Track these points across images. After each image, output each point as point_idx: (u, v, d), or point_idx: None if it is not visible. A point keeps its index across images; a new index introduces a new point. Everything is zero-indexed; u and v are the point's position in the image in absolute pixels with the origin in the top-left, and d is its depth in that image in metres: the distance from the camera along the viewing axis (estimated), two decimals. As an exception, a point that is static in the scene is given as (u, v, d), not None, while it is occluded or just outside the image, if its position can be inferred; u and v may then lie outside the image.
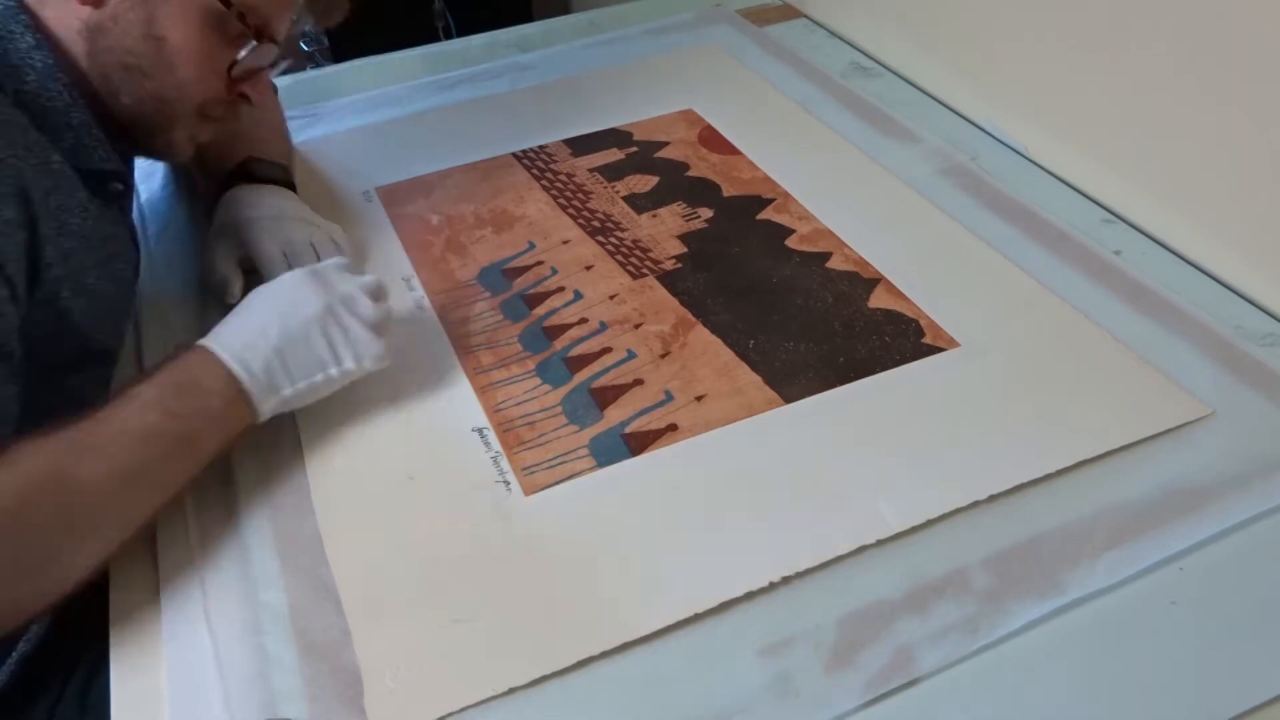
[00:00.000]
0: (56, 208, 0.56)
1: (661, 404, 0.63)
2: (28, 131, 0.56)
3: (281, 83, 1.06)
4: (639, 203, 0.82)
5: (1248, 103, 0.65)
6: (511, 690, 0.48)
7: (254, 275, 0.70)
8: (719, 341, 0.68)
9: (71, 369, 0.61)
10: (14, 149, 0.54)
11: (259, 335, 0.57)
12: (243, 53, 0.62)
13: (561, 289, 0.73)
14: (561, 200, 0.83)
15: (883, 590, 0.52)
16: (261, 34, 0.61)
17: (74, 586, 0.49)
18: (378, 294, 0.62)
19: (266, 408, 0.57)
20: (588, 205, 0.82)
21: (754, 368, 0.65)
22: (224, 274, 0.71)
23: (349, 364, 0.59)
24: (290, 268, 0.68)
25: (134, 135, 0.63)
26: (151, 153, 0.68)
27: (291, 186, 0.77)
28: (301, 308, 0.58)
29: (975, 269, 0.73)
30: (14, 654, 0.60)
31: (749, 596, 0.52)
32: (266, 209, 0.72)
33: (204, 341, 0.56)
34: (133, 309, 0.69)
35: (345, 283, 0.61)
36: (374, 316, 0.60)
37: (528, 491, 0.58)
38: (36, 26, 0.57)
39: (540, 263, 0.76)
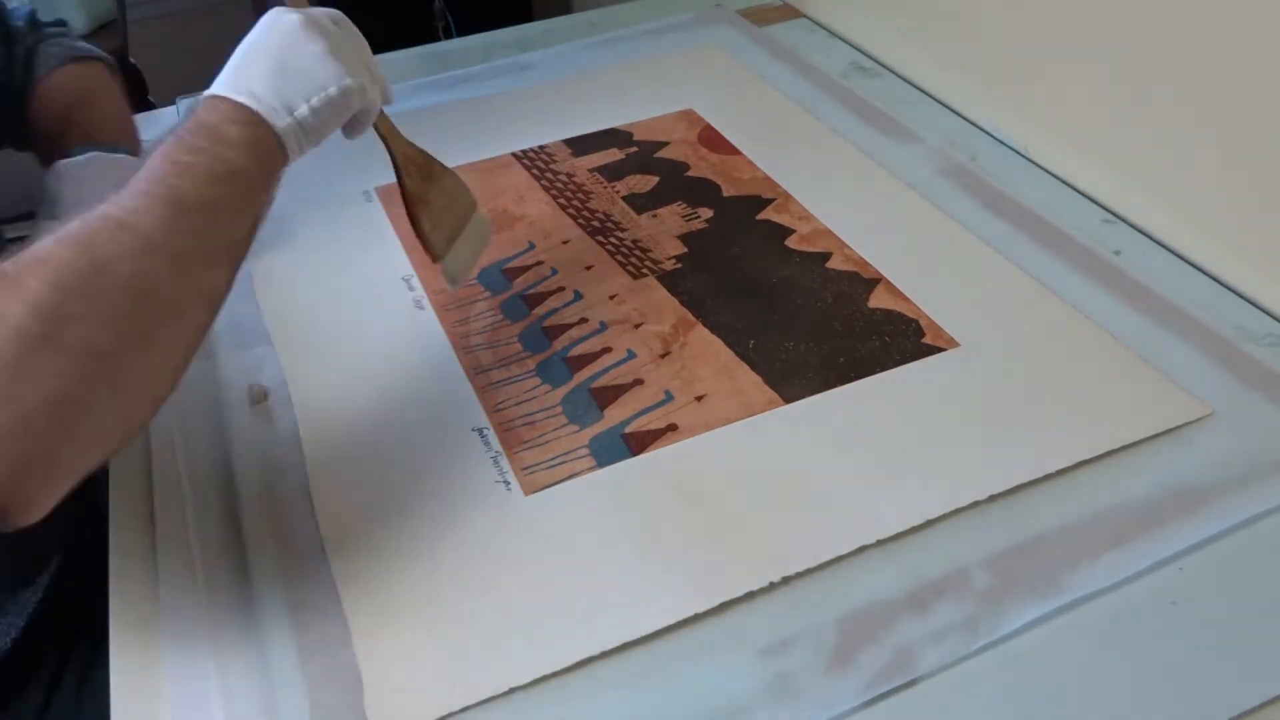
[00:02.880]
0: None
1: (661, 404, 0.63)
2: None
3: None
4: (639, 203, 0.82)
5: (1248, 103, 0.65)
6: (511, 690, 0.48)
7: None
8: (719, 341, 0.68)
9: None
10: None
11: (246, 64, 0.52)
12: None
13: (561, 289, 0.73)
14: (561, 200, 0.83)
15: (883, 590, 0.52)
16: None
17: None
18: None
19: (287, 131, 0.51)
20: (588, 205, 0.82)
21: (754, 368, 0.65)
22: None
23: (354, 62, 0.54)
24: None
25: None
26: None
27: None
28: (280, 25, 0.53)
29: (975, 269, 0.73)
30: (10, 635, 0.60)
31: (749, 596, 0.52)
32: (90, 166, 0.69)
33: (204, 93, 0.52)
34: None
35: (320, 8, 0.56)
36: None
37: (528, 491, 0.58)
38: None
39: (540, 262, 0.76)
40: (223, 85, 0.51)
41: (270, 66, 0.51)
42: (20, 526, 0.42)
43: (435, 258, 0.63)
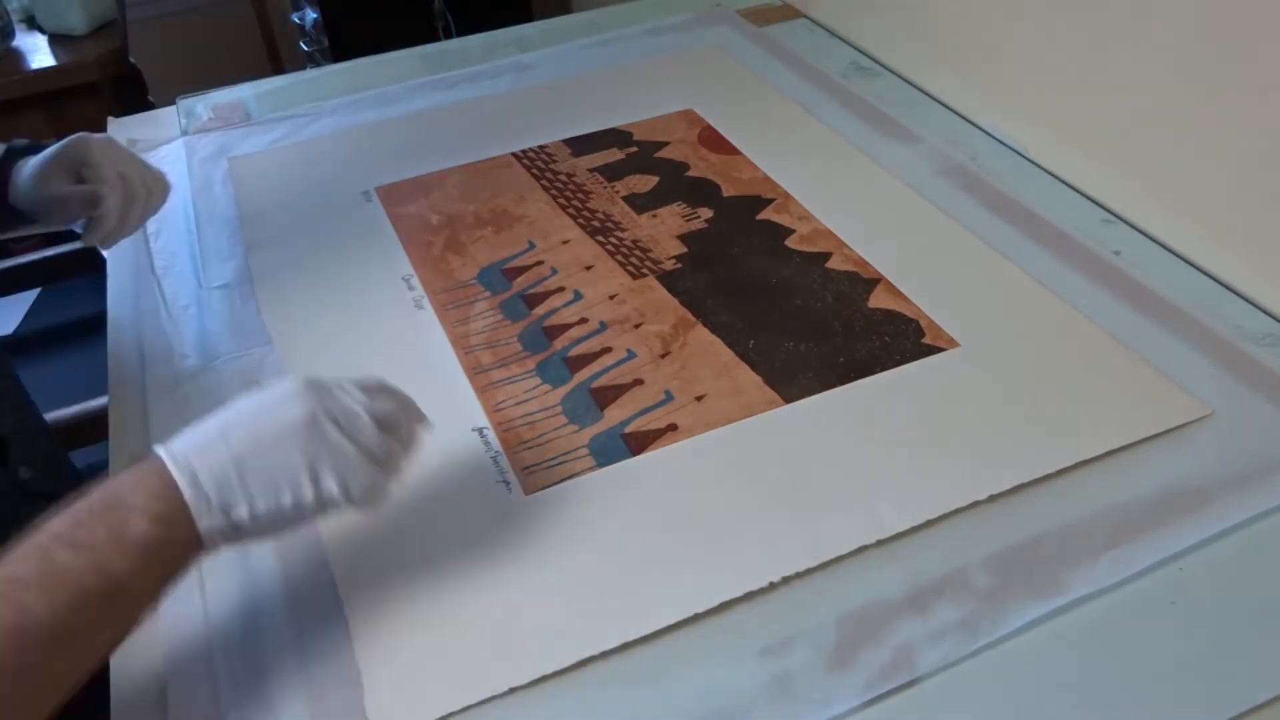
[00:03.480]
0: None
1: (661, 404, 0.63)
2: None
3: (282, 82, 1.07)
4: (639, 203, 0.82)
5: (1248, 103, 0.65)
6: (511, 690, 0.48)
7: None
8: (719, 341, 0.68)
9: None
10: None
11: (218, 437, 0.46)
12: None
13: (561, 289, 0.73)
14: (561, 200, 0.83)
15: (883, 590, 0.52)
16: None
17: None
18: (391, 423, 0.50)
19: (213, 531, 0.45)
20: (588, 205, 0.82)
21: (754, 368, 0.65)
22: (64, 191, 0.66)
23: (330, 485, 0.46)
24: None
25: None
26: None
27: None
28: (282, 411, 0.47)
29: (975, 269, 0.73)
30: None
31: (749, 596, 0.52)
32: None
33: (157, 446, 0.46)
34: None
35: (348, 397, 0.49)
36: (376, 445, 0.48)
37: (528, 491, 0.58)
38: None
39: (540, 262, 0.76)
40: (172, 449, 0.45)
41: (234, 451, 0.45)
42: None
43: None
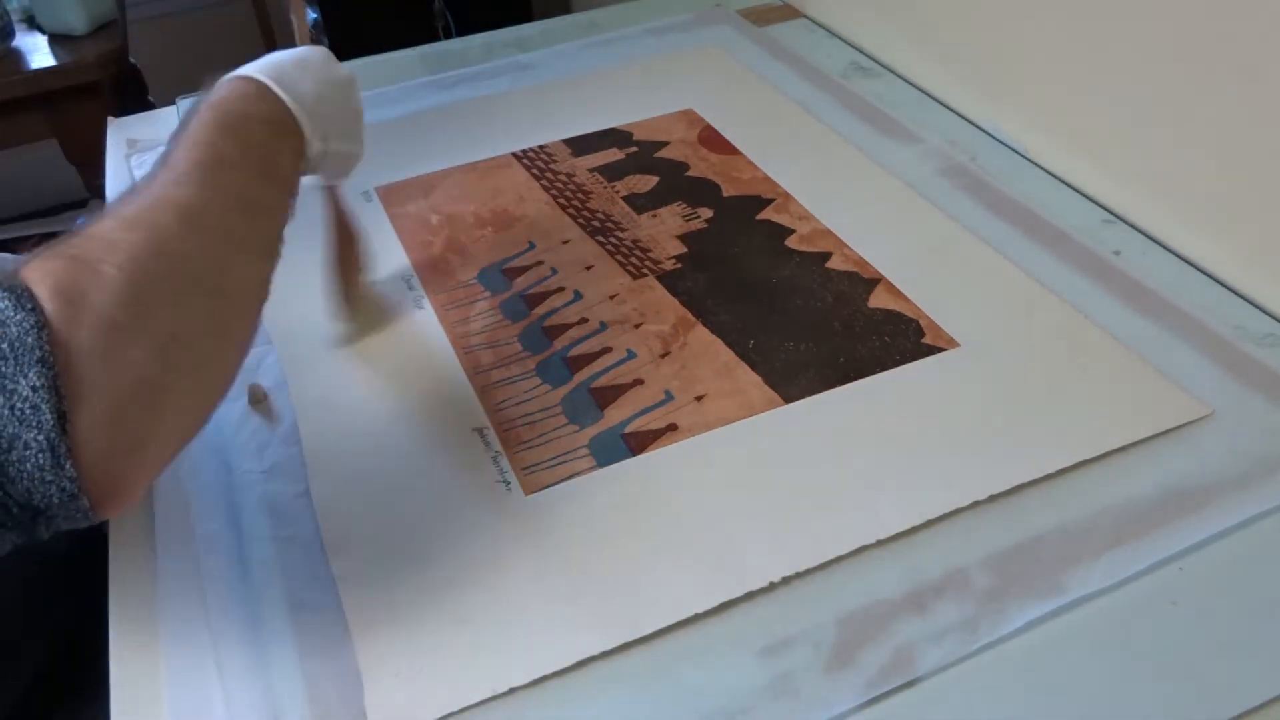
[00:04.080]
0: None
1: (661, 404, 0.63)
2: None
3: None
4: (639, 203, 0.82)
5: (1248, 103, 0.65)
6: (511, 690, 0.48)
7: None
8: (719, 341, 0.68)
9: None
10: None
11: (297, 68, 0.55)
12: None
13: (561, 289, 0.73)
14: (561, 200, 0.83)
15: (883, 590, 0.52)
16: None
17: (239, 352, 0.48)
18: None
19: (314, 139, 0.55)
20: (588, 205, 0.82)
21: (754, 368, 0.65)
22: None
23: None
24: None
25: None
26: None
27: None
28: (337, 67, 0.59)
29: (975, 269, 0.73)
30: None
31: (749, 596, 0.52)
32: None
33: (253, 73, 0.54)
34: None
35: None
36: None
37: (528, 491, 0.58)
38: None
39: (540, 263, 0.76)
40: (249, 69, 0.54)
41: (292, 58, 0.55)
42: (110, 516, 0.42)
43: (344, 315, 0.70)
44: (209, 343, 0.45)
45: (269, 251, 0.50)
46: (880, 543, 0.54)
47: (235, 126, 0.50)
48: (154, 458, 0.43)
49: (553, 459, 0.60)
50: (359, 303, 0.71)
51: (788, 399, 0.63)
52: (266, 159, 0.51)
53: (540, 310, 0.72)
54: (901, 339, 0.67)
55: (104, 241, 0.42)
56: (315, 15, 1.83)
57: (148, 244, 0.43)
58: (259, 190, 0.50)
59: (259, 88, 0.53)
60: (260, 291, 0.49)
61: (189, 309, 0.43)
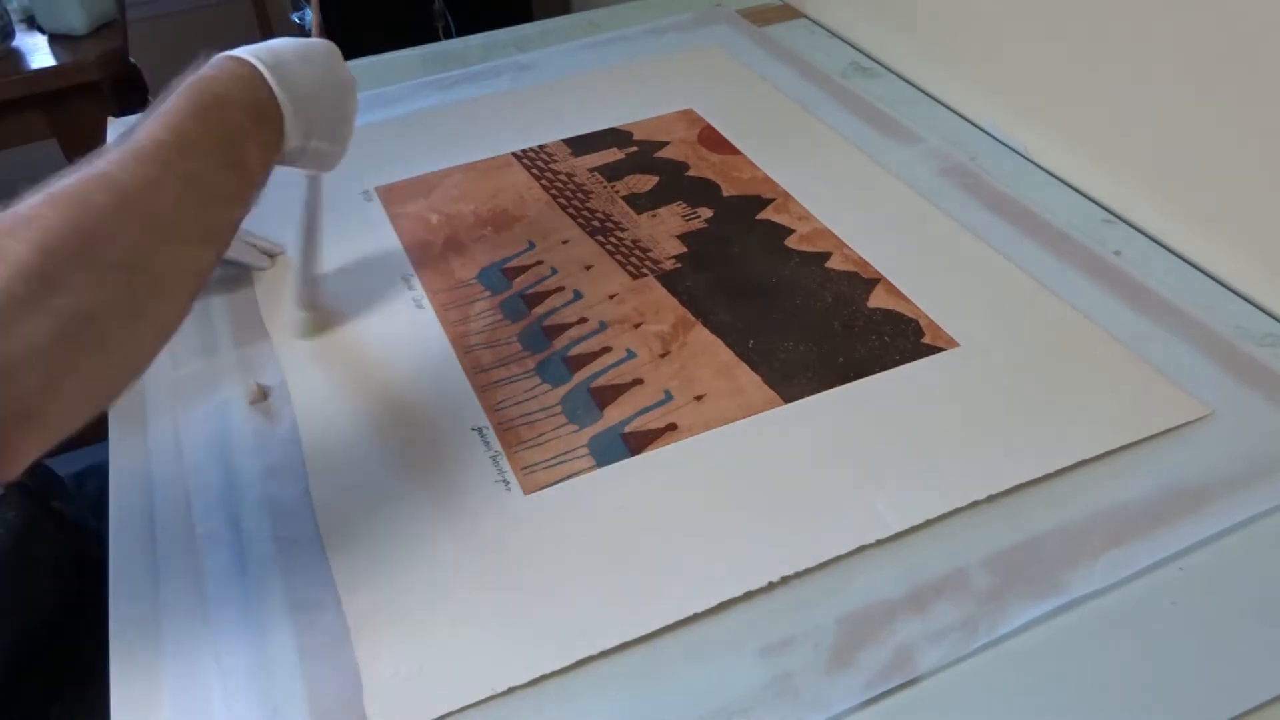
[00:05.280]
0: None
1: (661, 403, 0.63)
2: None
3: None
4: (639, 202, 0.82)
5: (1248, 102, 0.65)
6: (511, 690, 0.48)
7: None
8: (719, 341, 0.68)
9: None
10: None
11: (298, 59, 0.55)
12: None
13: (561, 288, 0.73)
14: (561, 200, 0.83)
15: (882, 590, 0.52)
16: None
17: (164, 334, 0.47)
18: None
19: (294, 134, 0.54)
20: (587, 205, 0.82)
21: (754, 367, 0.65)
22: None
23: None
24: None
25: None
26: None
27: None
28: (340, 68, 0.59)
29: (975, 269, 0.73)
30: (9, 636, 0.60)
31: (749, 596, 0.52)
32: None
33: (247, 55, 0.53)
34: None
35: None
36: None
37: (527, 491, 0.58)
38: None
39: (540, 262, 0.76)
40: (248, 50, 0.53)
41: (297, 49, 0.55)
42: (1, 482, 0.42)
43: (303, 303, 0.70)
44: (122, 323, 0.44)
45: (211, 239, 0.49)
46: (880, 543, 0.54)
47: (209, 107, 0.49)
48: (47, 430, 0.42)
49: (552, 458, 0.60)
50: (319, 295, 0.71)
51: (787, 399, 0.63)
52: (232, 146, 0.50)
53: (540, 310, 0.72)
54: (901, 339, 0.67)
55: (23, 217, 0.42)
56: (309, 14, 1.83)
57: (67, 221, 0.43)
58: (216, 177, 0.49)
59: (251, 71, 0.52)
60: (194, 279, 0.48)
61: (100, 288, 0.43)
